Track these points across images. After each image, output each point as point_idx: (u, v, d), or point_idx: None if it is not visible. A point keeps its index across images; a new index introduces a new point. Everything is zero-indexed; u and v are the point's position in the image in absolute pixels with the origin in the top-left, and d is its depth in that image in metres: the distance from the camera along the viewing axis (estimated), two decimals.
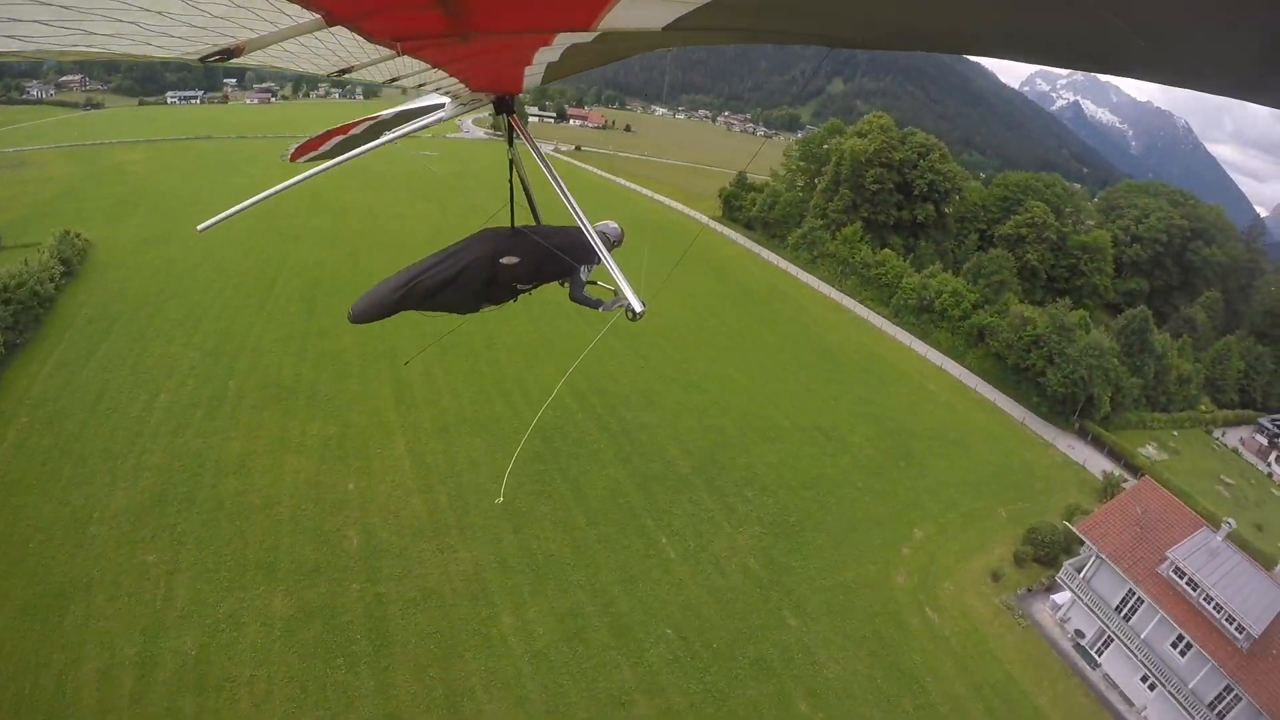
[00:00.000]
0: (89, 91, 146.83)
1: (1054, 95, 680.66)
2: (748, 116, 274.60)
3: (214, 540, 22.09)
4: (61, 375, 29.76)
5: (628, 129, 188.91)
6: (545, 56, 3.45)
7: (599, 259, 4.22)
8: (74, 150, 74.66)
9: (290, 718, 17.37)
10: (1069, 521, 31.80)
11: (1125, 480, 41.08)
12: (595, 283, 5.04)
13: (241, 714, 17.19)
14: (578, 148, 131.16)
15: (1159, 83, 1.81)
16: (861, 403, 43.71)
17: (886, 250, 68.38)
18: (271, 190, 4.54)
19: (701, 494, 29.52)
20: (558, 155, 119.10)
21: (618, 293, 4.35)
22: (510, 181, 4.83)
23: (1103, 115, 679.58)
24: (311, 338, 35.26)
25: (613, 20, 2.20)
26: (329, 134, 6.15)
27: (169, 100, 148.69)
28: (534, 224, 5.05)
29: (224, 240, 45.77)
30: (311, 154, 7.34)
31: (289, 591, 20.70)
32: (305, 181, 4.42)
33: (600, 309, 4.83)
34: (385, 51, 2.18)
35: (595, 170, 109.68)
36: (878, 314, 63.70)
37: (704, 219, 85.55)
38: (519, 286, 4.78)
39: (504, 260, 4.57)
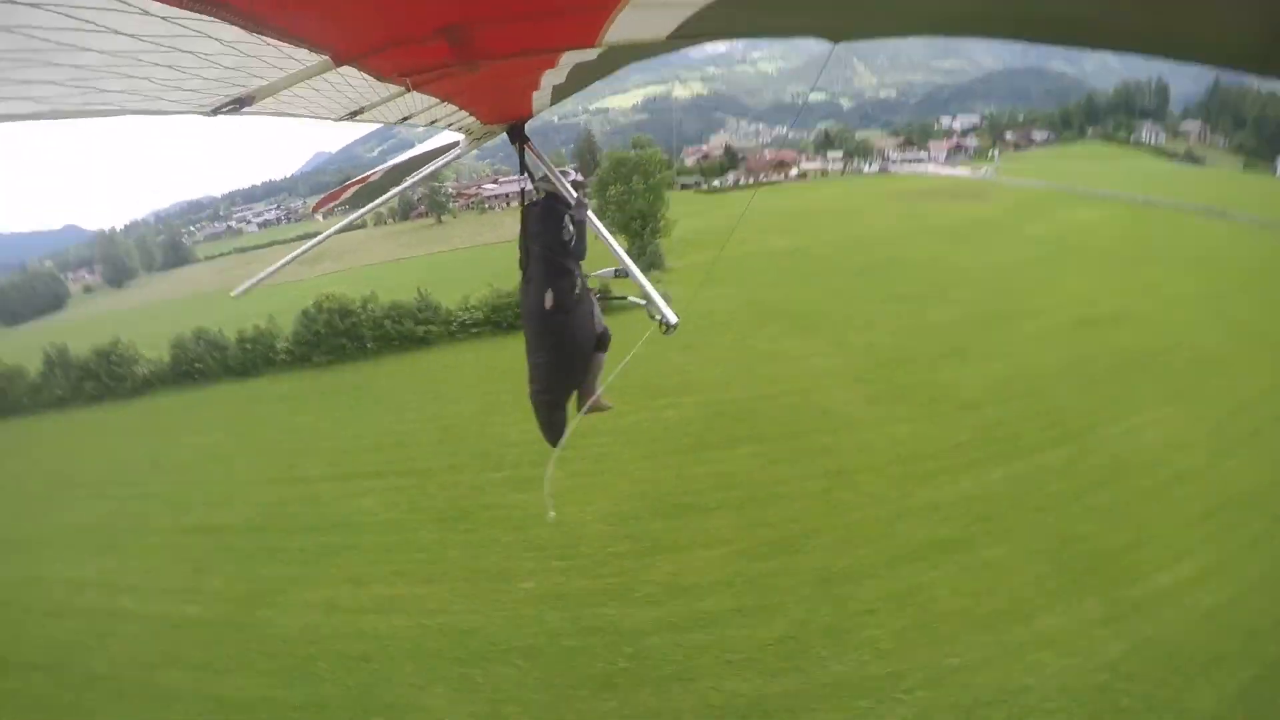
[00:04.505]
0: None
1: None
2: None
3: None
4: None
5: None
6: (551, 79, 3.47)
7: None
8: None
9: None
10: None
11: None
12: (625, 297, 4.89)
13: None
14: None
15: (1161, 57, 1.72)
16: None
17: None
18: (305, 247, 4.69)
19: None
20: None
21: (648, 306, 4.30)
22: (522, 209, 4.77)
23: None
24: None
25: (616, 33, 2.19)
26: (348, 185, 6.32)
27: None
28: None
29: None
30: (334, 204, 7.56)
31: None
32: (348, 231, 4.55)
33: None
34: (395, 89, 2.21)
35: None
36: None
37: None
38: (576, 298, 4.26)
39: (547, 304, 4.12)
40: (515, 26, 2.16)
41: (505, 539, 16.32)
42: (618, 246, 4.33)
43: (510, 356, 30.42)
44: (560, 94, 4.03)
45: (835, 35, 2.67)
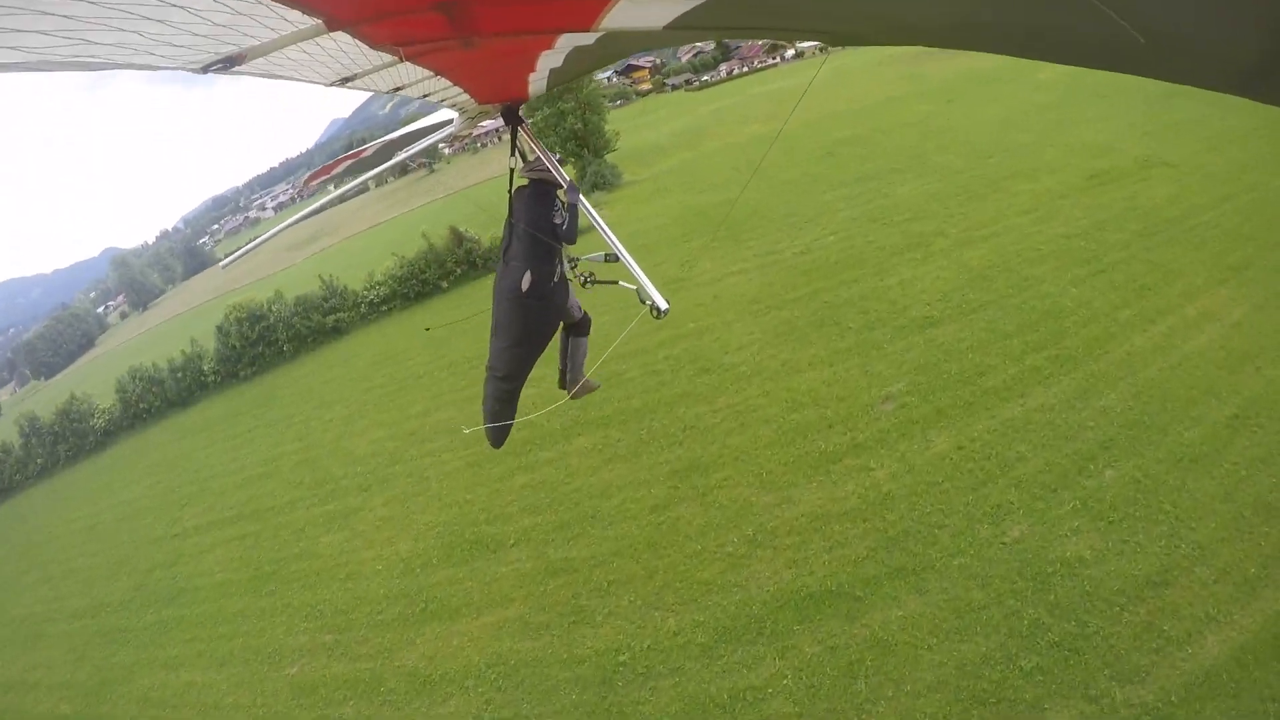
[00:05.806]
0: None
1: None
2: None
3: None
4: None
5: None
6: (548, 61, 3.46)
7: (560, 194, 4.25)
8: None
9: None
10: None
11: None
12: (616, 281, 4.88)
13: None
14: None
15: (1157, 78, 1.78)
16: None
17: None
18: (292, 220, 4.72)
19: None
20: None
21: (640, 293, 4.32)
22: (510, 194, 4.61)
23: None
24: None
25: (614, 20, 2.20)
26: (340, 160, 6.29)
27: None
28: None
29: None
30: (325, 178, 7.52)
31: None
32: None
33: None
34: (387, 58, 2.19)
35: None
36: None
37: None
38: (554, 286, 4.33)
39: (524, 286, 4.14)
40: (512, 6, 2.16)
41: (296, 602, 14.77)
42: (609, 231, 4.35)
43: (403, 334, 29.74)
44: (556, 78, 4.02)
45: (832, 40, 2.71)
